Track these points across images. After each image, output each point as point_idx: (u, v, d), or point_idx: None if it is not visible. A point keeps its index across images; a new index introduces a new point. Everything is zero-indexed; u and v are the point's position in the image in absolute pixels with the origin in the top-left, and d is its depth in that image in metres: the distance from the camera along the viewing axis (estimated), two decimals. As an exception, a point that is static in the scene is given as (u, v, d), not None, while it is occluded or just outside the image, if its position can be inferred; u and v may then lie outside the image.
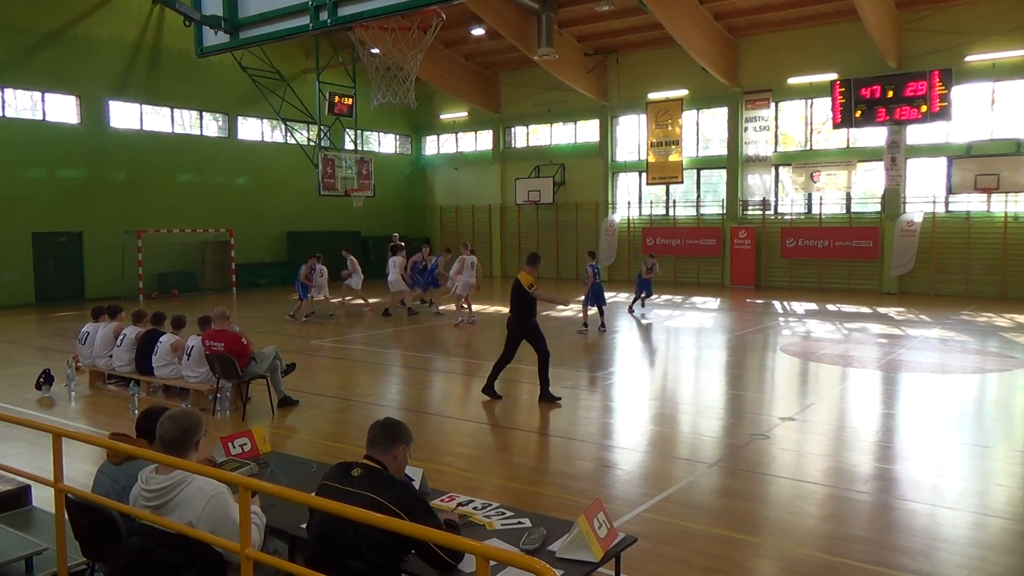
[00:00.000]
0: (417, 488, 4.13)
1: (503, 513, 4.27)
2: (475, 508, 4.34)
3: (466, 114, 32.49)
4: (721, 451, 7.74)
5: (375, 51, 18.61)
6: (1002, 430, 8.77)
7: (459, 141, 33.90)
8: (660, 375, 12.04)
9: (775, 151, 25.68)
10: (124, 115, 24.18)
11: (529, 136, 31.86)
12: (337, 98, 23.26)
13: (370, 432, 3.76)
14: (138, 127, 24.55)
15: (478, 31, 25.97)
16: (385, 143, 33.45)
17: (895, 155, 23.05)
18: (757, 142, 25.65)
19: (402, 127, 33.58)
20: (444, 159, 34.22)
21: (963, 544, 5.46)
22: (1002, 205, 22.08)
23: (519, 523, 4.11)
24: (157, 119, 25.15)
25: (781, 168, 25.72)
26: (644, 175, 28.13)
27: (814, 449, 7.90)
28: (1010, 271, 21.81)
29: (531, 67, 27.34)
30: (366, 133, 31.28)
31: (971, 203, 22.55)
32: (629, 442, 8.23)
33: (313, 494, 3.69)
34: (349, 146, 24.50)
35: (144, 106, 24.65)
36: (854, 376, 11.55)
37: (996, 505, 6.32)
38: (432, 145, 34.66)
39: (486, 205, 32.52)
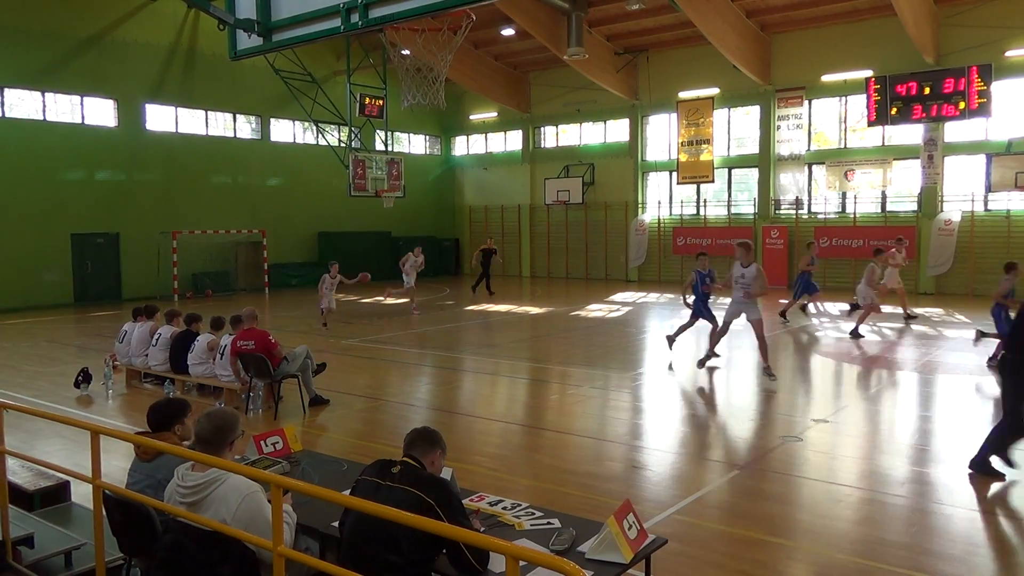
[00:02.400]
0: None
1: (532, 513, 4.26)
2: (504, 508, 4.35)
3: (496, 114, 32.54)
4: (753, 453, 7.66)
5: (405, 52, 18.74)
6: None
7: (488, 141, 33.95)
8: (690, 376, 11.93)
9: (808, 149, 25.34)
10: (160, 118, 24.62)
11: (559, 136, 31.81)
12: (368, 99, 23.42)
13: (408, 436, 3.88)
14: (173, 129, 24.98)
15: (508, 31, 25.98)
16: (415, 144, 33.62)
17: (932, 153, 22.61)
18: (790, 140, 25.33)
19: (432, 128, 33.72)
20: (473, 159, 34.30)
21: (1001, 549, 5.34)
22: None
23: (548, 523, 4.10)
24: (192, 121, 25.56)
25: (814, 167, 25.37)
26: (675, 174, 27.94)
27: (848, 452, 7.78)
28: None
29: (561, 67, 27.28)
30: (396, 134, 31.47)
31: (1011, 201, 22.03)
32: (659, 443, 8.17)
33: (349, 490, 3.74)
34: (379, 147, 24.69)
35: (179, 109, 25.07)
36: (889, 377, 11.36)
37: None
38: (462, 145, 34.75)
39: (515, 205, 32.54)
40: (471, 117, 33.62)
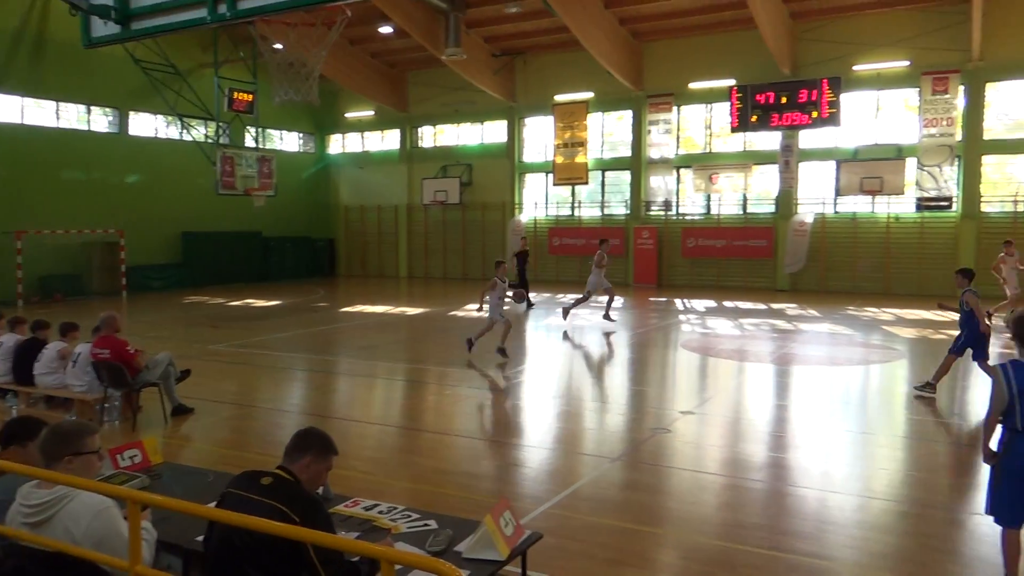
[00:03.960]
0: (320, 493, 4.03)
1: (409, 516, 4.23)
2: (380, 512, 4.28)
3: (372, 113, 32.07)
4: (625, 446, 7.92)
5: (278, 47, 18.12)
6: (885, 417, 9.32)
7: (365, 140, 33.43)
8: (565, 373, 12.20)
9: (677, 154, 26.46)
10: (3, 107, 22.69)
11: (437, 136, 31.74)
12: (237, 94, 22.54)
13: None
14: (19, 120, 23.08)
15: (386, 29, 25.68)
16: (288, 141, 32.62)
17: (788, 158, 24.15)
18: (660, 145, 26.37)
19: (306, 125, 32.83)
20: (349, 158, 33.66)
21: (849, 525, 5.76)
22: (885, 207, 23.46)
23: (425, 525, 4.08)
24: (40, 113, 23.71)
25: (682, 170, 26.53)
26: (551, 176, 28.48)
27: (712, 441, 8.18)
28: (892, 268, 23.20)
29: (439, 67, 27.21)
30: (268, 131, 30.42)
31: (857, 204, 23.89)
32: (535, 440, 8.30)
33: (215, 503, 3.55)
34: (250, 144, 23.78)
35: (26, 99, 23.19)
36: (750, 370, 12.03)
37: (879, 488, 6.70)
38: (337, 144, 34.04)
39: (392, 205, 32.20)
40: (347, 115, 32.98)
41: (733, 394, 10.48)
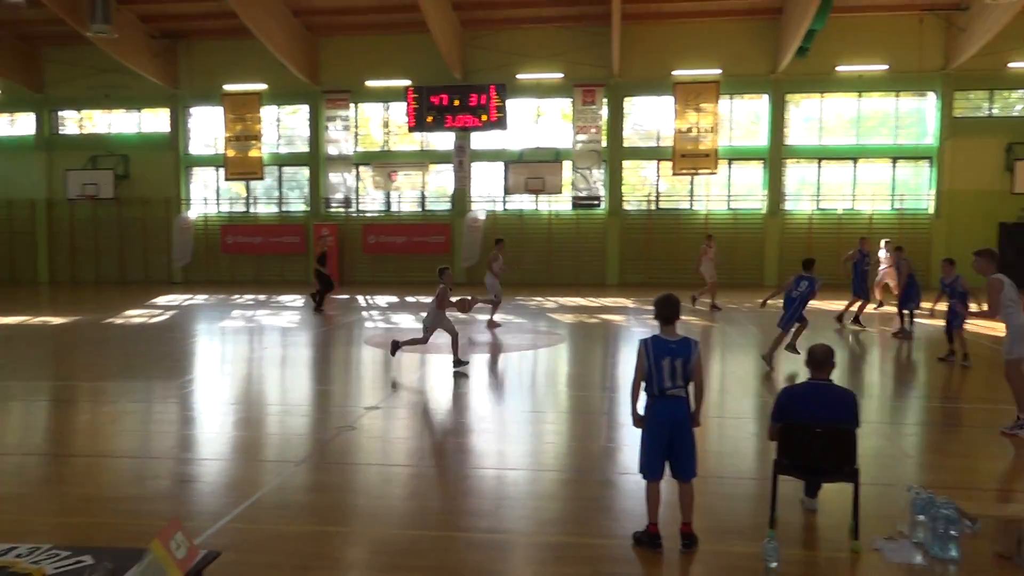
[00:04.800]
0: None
1: (57, 555, 3.64)
2: (19, 555, 3.64)
3: (-2, 91, 27.40)
4: (309, 448, 7.70)
5: None
6: (551, 397, 10.22)
7: (-11, 123, 28.45)
8: (243, 378, 11.55)
9: (356, 150, 26.44)
10: None
11: (83, 122, 28.09)
12: None
13: None
14: None
15: (11, -6, 22.00)
16: None
17: (462, 158, 25.42)
18: (339, 141, 26.14)
19: (-95, 101, 27.00)
20: (-32, 143, 28.40)
21: (524, 498, 6.21)
22: (547, 205, 25.78)
23: (79, 562, 3.54)
24: None
25: (362, 167, 26.59)
26: (222, 170, 26.76)
27: (398, 433, 8.30)
28: (554, 261, 25.60)
29: (84, 45, 23.99)
30: None
31: (523, 202, 25.95)
32: (211, 452, 7.72)
33: None
34: None
35: None
36: (432, 361, 12.43)
37: (547, 461, 7.33)
38: (-50, 125, 28.52)
39: (27, 200, 27.80)
40: (-37, 92, 27.78)
41: (417, 386, 10.74)
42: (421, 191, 26.38)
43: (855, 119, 24.66)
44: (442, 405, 9.63)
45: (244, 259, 26.73)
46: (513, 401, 9.86)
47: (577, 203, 25.28)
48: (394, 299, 21.05)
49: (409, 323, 16.52)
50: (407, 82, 24.97)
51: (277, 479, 6.69)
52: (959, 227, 22.75)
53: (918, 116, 24.60)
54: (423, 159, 26.06)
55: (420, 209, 26.65)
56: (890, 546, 5.17)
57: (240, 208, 27.44)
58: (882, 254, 17.80)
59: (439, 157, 26.03)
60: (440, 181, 26.70)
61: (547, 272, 25.59)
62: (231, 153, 26.27)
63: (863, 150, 24.56)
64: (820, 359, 5.48)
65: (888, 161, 24.61)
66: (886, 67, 23.53)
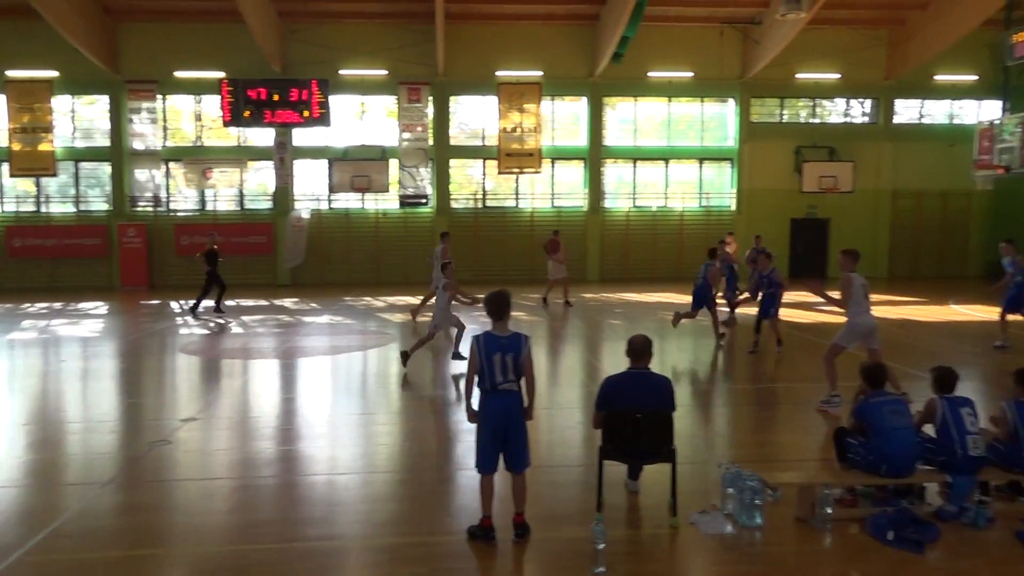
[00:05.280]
0: None
1: None
2: None
3: None
4: (117, 466, 7.08)
5: None
6: (383, 398, 10.07)
7: None
8: (37, 395, 10.43)
9: (165, 145, 24.69)
10: None
11: None
12: None
13: None
14: None
15: None
16: None
17: (283, 155, 24.44)
18: (145, 135, 24.28)
19: None
20: None
21: (356, 502, 6.06)
22: (374, 203, 25.38)
23: None
24: None
25: (172, 163, 24.88)
26: (6, 166, 24.05)
27: (219, 445, 7.83)
28: (382, 260, 25.26)
29: None
30: None
31: (350, 201, 25.38)
32: (0, 479, 6.90)
33: None
34: None
35: None
36: (255, 367, 11.87)
37: (380, 462, 7.21)
38: None
39: None
40: None
41: (239, 394, 10.19)
42: (239, 189, 25.10)
43: (666, 122, 26.27)
44: (267, 412, 9.19)
45: (35, 264, 24.20)
46: (343, 404, 9.61)
47: (404, 201, 25.09)
48: (210, 303, 19.85)
49: (229, 327, 15.68)
50: (221, 74, 23.64)
51: (79, 503, 6.09)
52: (758, 222, 24.83)
53: (720, 120, 26.61)
54: (241, 155, 24.79)
55: (239, 208, 25.34)
56: (704, 519, 5.54)
57: (29, 208, 24.81)
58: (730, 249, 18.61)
59: (258, 154, 24.88)
60: (260, 179, 25.53)
61: (376, 271, 25.22)
62: (17, 147, 23.66)
63: (673, 151, 26.22)
64: (639, 349, 5.77)
65: (695, 162, 26.46)
66: (691, 74, 25.25)
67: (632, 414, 5.51)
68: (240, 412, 9.18)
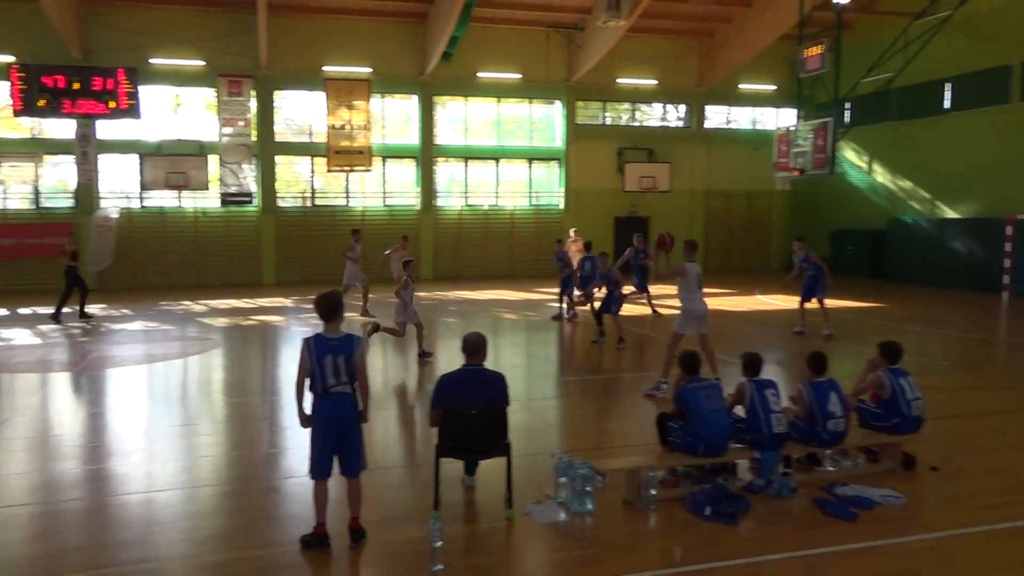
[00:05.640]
0: None
1: None
2: None
3: None
4: None
5: None
6: (205, 407, 9.49)
7: None
8: None
9: (-59, 136, 21.95)
10: None
11: None
12: None
13: None
14: None
15: None
16: None
17: (86, 149, 22.39)
18: (-85, 123, 21.44)
19: None
20: None
21: (177, 519, 5.66)
22: (192, 201, 23.88)
23: None
24: None
25: (-49, 156, 22.13)
26: None
27: (14, 468, 7.03)
28: (202, 261, 23.85)
29: None
30: None
31: (164, 199, 23.72)
32: None
33: None
34: None
35: None
36: (55, 381, 10.81)
37: (204, 475, 6.78)
38: None
39: None
40: None
41: (37, 412, 9.21)
42: (34, 185, 22.74)
43: (496, 122, 26.70)
44: (71, 430, 8.38)
45: None
46: (161, 416, 8.97)
47: (227, 200, 23.82)
48: (3, 312, 17.89)
49: (26, 338, 14.18)
50: (10, 58, 21.31)
51: None
52: (585, 221, 25.82)
53: (548, 122, 27.42)
54: (35, 148, 22.47)
55: (34, 207, 22.98)
56: (538, 509, 5.67)
57: None
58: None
59: (57, 147, 22.66)
60: (59, 174, 23.28)
61: (195, 274, 23.78)
62: None
63: (504, 151, 26.71)
64: (473, 346, 5.81)
65: (525, 162, 27.10)
66: (519, 76, 25.83)
67: (467, 411, 5.54)
68: (39, 431, 8.30)
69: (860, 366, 7.67)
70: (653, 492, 5.74)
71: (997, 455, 7.04)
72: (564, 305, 15.94)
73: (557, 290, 16.12)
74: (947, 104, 22.84)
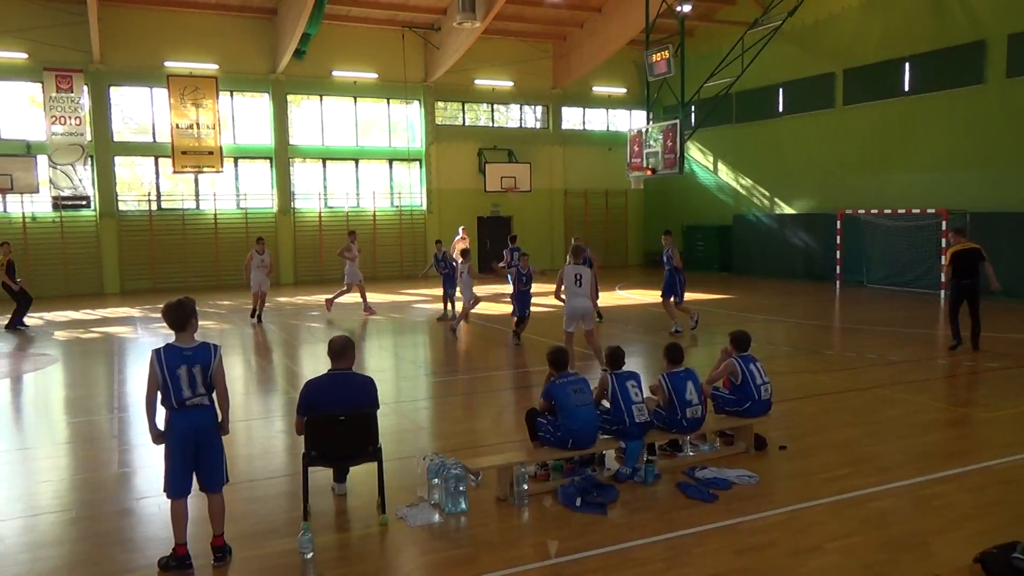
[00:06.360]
0: None
1: None
2: None
3: None
4: None
5: None
6: (44, 428, 8.72)
7: None
8: None
9: None
10: None
11: None
12: None
13: None
14: None
15: None
16: None
17: None
18: None
19: None
20: None
21: (15, 552, 5.17)
22: (19, 206, 21.90)
23: None
24: None
25: None
26: None
27: None
28: (33, 270, 21.82)
29: None
30: None
31: (-13, 204, 21.62)
32: None
33: None
34: None
35: None
36: None
37: (44, 502, 6.22)
38: None
39: None
40: None
41: None
42: None
43: (354, 122, 26.18)
44: None
45: None
46: (-9, 441, 8.15)
47: (60, 204, 22.02)
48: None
49: None
50: None
51: None
52: (447, 221, 25.81)
53: (408, 122, 27.20)
54: None
55: None
56: (412, 512, 5.61)
57: None
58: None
59: None
60: None
61: (25, 284, 21.73)
62: None
63: (363, 151, 26.25)
64: (339, 349, 5.66)
65: (385, 162, 26.76)
66: (375, 75, 25.47)
67: (335, 416, 5.39)
68: None
69: (714, 355, 8.11)
70: (525, 487, 5.81)
71: (838, 432, 7.64)
72: (449, 306, 15.99)
73: (439, 292, 16.25)
74: (780, 108, 24.61)
